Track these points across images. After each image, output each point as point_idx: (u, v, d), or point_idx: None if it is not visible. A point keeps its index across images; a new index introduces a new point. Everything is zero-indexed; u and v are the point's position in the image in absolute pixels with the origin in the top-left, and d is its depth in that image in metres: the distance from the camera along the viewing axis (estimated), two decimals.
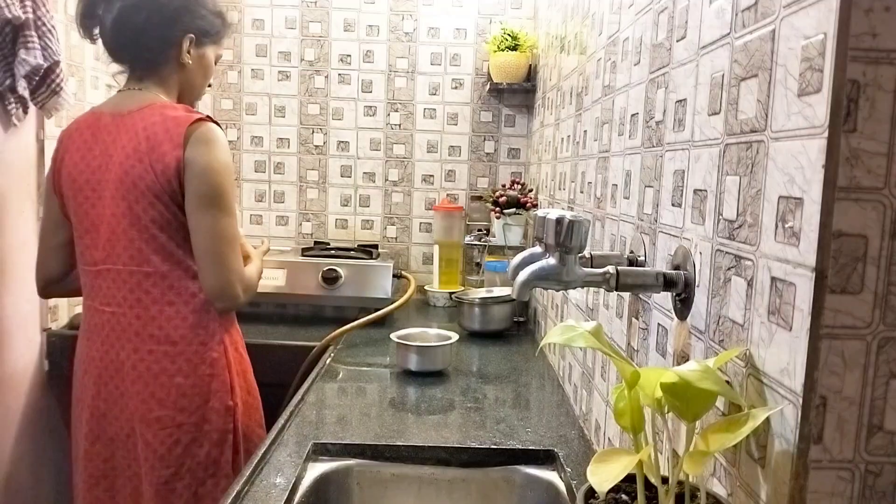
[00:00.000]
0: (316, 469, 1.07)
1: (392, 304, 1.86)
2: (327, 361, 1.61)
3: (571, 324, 0.64)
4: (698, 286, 0.72)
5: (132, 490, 1.31)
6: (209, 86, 1.48)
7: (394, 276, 2.02)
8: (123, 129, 1.28)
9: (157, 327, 1.28)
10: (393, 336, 1.55)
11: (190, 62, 1.36)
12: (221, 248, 1.27)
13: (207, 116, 1.30)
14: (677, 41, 0.82)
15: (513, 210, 2.08)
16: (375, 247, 2.24)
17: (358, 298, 1.97)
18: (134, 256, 1.27)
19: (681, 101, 0.80)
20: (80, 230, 1.31)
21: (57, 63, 1.62)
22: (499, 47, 2.18)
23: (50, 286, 1.41)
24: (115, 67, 1.39)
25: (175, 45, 1.34)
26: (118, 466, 1.31)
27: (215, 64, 1.46)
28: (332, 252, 2.09)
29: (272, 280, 1.95)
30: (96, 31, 1.35)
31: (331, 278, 1.96)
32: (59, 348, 1.79)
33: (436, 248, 2.25)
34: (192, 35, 1.35)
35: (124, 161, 1.26)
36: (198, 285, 1.30)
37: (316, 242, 2.28)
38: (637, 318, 0.94)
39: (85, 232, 1.30)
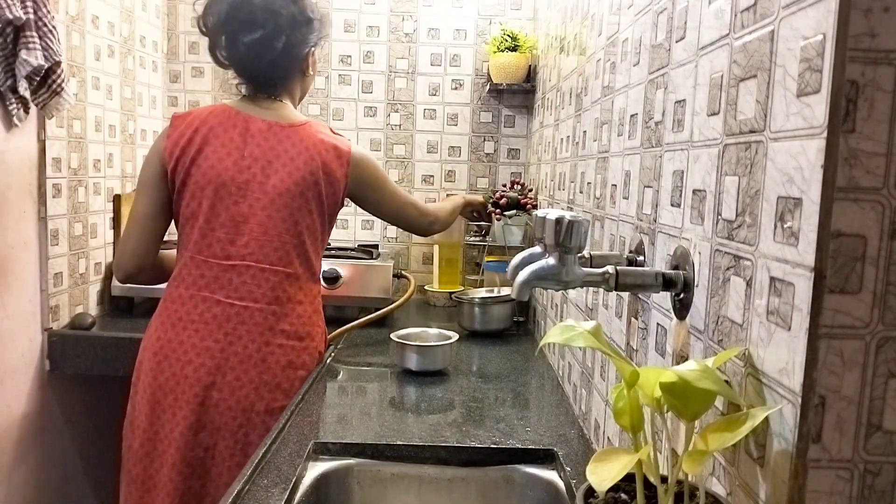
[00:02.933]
0: (316, 468, 1.07)
1: (392, 304, 1.86)
2: (327, 361, 1.61)
3: (571, 323, 0.64)
4: (697, 286, 0.73)
5: (228, 479, 1.33)
6: None
7: (394, 276, 2.02)
8: (287, 140, 1.39)
9: (288, 323, 1.40)
10: (393, 336, 1.56)
11: (312, 72, 1.53)
12: (406, 214, 1.60)
13: (349, 140, 1.50)
14: (676, 42, 0.82)
15: (513, 212, 2.08)
16: (376, 247, 2.24)
17: (358, 298, 1.97)
18: (282, 258, 1.39)
19: (680, 101, 0.80)
20: (212, 223, 1.37)
21: (58, 64, 1.62)
22: (498, 48, 2.18)
23: (142, 273, 1.46)
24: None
25: (304, 60, 1.47)
26: (219, 455, 1.34)
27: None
28: (333, 252, 2.09)
29: None
30: (226, 57, 1.42)
31: (331, 278, 1.96)
32: (60, 348, 1.79)
33: (436, 248, 2.26)
34: (313, 47, 1.47)
35: (294, 172, 1.38)
36: (318, 288, 1.50)
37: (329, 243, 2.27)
38: (636, 318, 0.94)
39: (219, 226, 1.37)
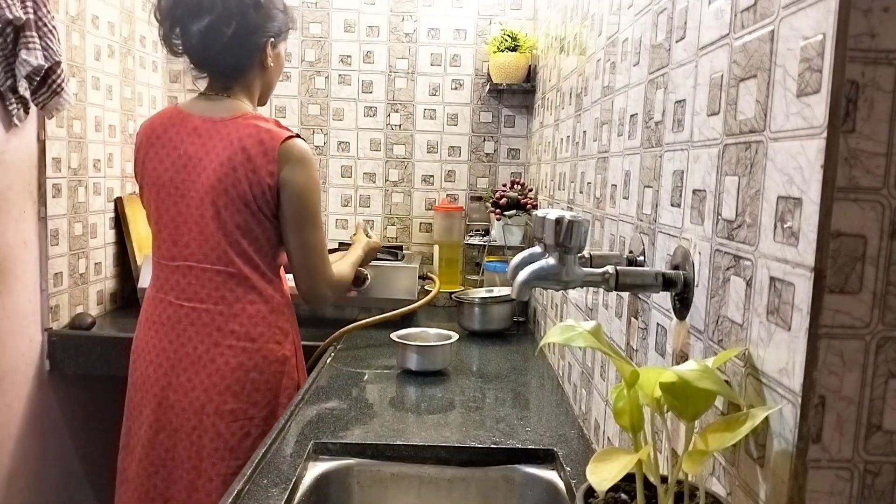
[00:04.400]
0: (316, 468, 1.07)
1: (412, 304, 1.87)
2: (327, 361, 1.61)
3: (571, 323, 0.64)
4: (697, 286, 0.73)
5: (188, 483, 1.34)
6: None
7: (420, 277, 2.02)
8: (217, 135, 1.34)
9: (238, 324, 1.35)
10: (393, 336, 1.56)
11: (272, 64, 1.44)
12: (313, 262, 1.40)
13: (296, 134, 1.37)
14: (676, 42, 0.82)
15: (513, 212, 2.08)
16: (400, 248, 2.24)
17: (383, 300, 1.95)
18: (221, 257, 1.35)
19: (680, 101, 0.80)
20: (158, 224, 1.38)
21: (58, 63, 1.62)
22: (498, 48, 2.18)
23: None
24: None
25: (260, 50, 1.41)
26: (178, 457, 1.35)
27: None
28: None
29: None
30: (180, 46, 1.38)
31: (358, 280, 1.95)
32: (60, 348, 1.79)
33: (436, 248, 2.26)
34: (273, 38, 1.42)
35: (218, 168, 1.32)
36: (274, 287, 1.41)
37: (341, 244, 2.27)
38: (636, 318, 0.94)
39: (164, 227, 1.37)
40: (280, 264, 1.45)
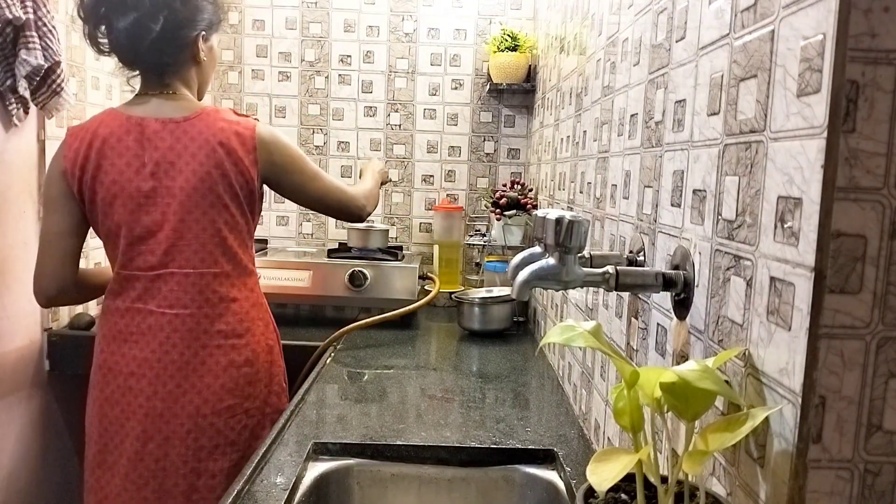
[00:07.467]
0: (316, 468, 1.07)
1: (412, 304, 1.88)
2: (327, 361, 1.61)
3: (571, 323, 0.64)
4: (697, 286, 0.73)
5: (187, 486, 1.32)
6: None
7: (420, 277, 2.02)
8: (185, 136, 1.32)
9: (224, 323, 1.36)
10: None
11: (205, 58, 1.41)
12: (333, 198, 1.49)
13: (256, 118, 1.41)
14: (676, 42, 0.82)
15: (513, 212, 2.08)
16: (400, 248, 2.24)
17: (383, 300, 1.96)
18: (204, 259, 1.34)
19: (680, 101, 0.80)
20: (128, 237, 1.32)
21: (58, 63, 1.62)
22: (498, 48, 2.18)
23: (64, 294, 1.39)
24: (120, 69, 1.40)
25: (191, 45, 1.37)
26: (171, 465, 1.32)
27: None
28: (358, 253, 2.09)
29: (297, 282, 1.96)
30: (106, 44, 1.34)
31: (357, 280, 1.95)
32: (60, 348, 1.79)
33: (436, 248, 2.26)
34: (204, 31, 1.38)
35: (199, 168, 1.31)
36: (253, 280, 1.44)
37: (340, 244, 2.27)
38: (636, 318, 0.94)
39: (137, 239, 1.32)
40: (253, 257, 1.46)
